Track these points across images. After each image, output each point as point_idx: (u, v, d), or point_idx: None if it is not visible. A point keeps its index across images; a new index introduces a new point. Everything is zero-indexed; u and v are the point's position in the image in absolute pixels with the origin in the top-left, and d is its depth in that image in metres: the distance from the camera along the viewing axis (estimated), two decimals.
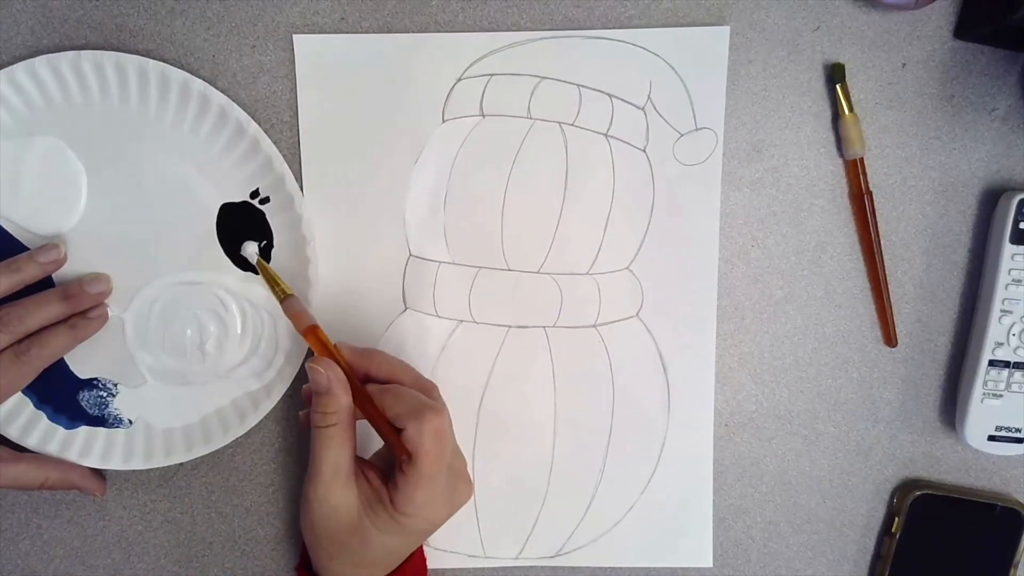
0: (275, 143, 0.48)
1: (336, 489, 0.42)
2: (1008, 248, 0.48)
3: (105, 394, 0.49)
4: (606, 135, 0.49)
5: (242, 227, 0.48)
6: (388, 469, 0.44)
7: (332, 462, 0.42)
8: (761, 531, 0.52)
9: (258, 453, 0.51)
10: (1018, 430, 0.49)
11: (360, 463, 0.44)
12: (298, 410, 0.50)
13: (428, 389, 0.45)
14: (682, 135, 0.49)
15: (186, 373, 0.49)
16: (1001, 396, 0.49)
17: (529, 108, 0.49)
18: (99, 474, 0.50)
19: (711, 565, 0.52)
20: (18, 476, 0.47)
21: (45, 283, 0.47)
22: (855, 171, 0.49)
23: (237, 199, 0.48)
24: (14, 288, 0.45)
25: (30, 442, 0.48)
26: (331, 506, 0.42)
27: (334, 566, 0.44)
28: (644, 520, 0.52)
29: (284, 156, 0.48)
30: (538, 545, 0.52)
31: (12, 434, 0.48)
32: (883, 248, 0.50)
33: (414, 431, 0.41)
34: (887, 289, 0.50)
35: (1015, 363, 0.49)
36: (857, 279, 0.50)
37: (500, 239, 0.49)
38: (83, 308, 0.47)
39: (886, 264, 0.50)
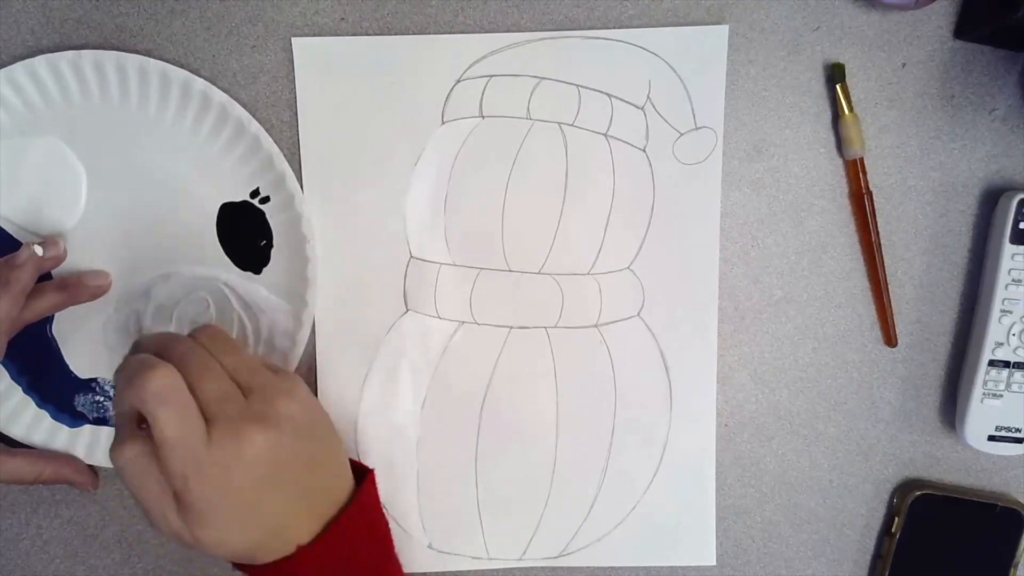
0: (275, 143, 0.48)
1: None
2: (1008, 248, 0.48)
3: (102, 398, 0.49)
4: (606, 135, 0.49)
5: (242, 226, 0.48)
6: None
7: None
8: (761, 531, 0.53)
9: None
10: (1018, 430, 0.49)
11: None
12: None
13: (161, 344, 0.40)
14: (682, 134, 0.49)
15: None
16: (1001, 396, 0.49)
17: (528, 109, 0.49)
18: (92, 469, 0.50)
19: (715, 563, 0.52)
20: (13, 471, 0.47)
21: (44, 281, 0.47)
22: (855, 171, 0.49)
23: (237, 198, 0.48)
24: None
25: (35, 440, 0.49)
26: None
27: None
28: (647, 519, 0.52)
29: (284, 156, 0.48)
30: (542, 545, 0.52)
31: (17, 432, 0.49)
32: (883, 248, 0.50)
33: (136, 401, 0.36)
34: (887, 289, 0.50)
35: (1015, 363, 0.49)
36: (857, 279, 0.50)
37: (501, 240, 0.49)
38: (80, 301, 0.47)
39: (886, 264, 0.50)
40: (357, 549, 0.42)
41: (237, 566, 0.41)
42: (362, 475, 0.44)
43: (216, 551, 0.39)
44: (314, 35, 0.48)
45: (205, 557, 0.52)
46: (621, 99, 0.49)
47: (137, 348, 0.41)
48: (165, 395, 0.36)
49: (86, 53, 0.46)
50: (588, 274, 0.50)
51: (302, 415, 0.40)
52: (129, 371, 0.37)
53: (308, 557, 0.39)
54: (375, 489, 0.44)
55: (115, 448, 0.38)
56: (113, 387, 0.49)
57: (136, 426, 0.38)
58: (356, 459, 0.49)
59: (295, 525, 0.40)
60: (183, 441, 0.36)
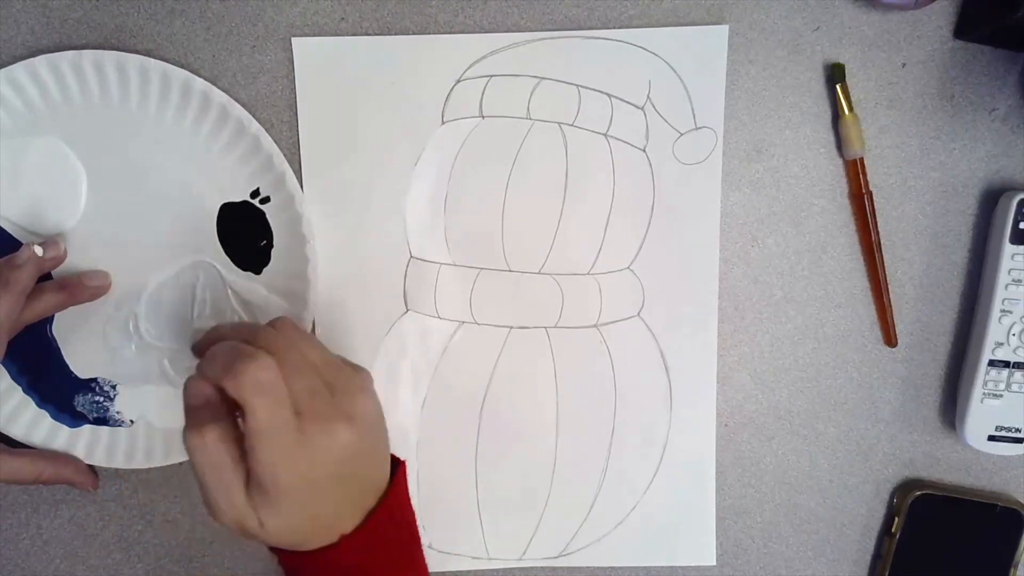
0: (275, 143, 0.48)
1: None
2: (1008, 248, 0.48)
3: (102, 398, 0.49)
4: (606, 135, 0.49)
5: (243, 226, 0.48)
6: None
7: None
8: (761, 531, 0.53)
9: None
10: (1018, 430, 0.49)
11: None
12: None
13: (251, 333, 0.40)
14: (682, 134, 0.49)
15: (187, 372, 0.49)
16: (1001, 396, 0.49)
17: (528, 109, 0.49)
18: (92, 469, 0.50)
19: (714, 563, 0.52)
20: (13, 471, 0.47)
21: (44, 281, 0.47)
22: (855, 171, 0.49)
23: (238, 198, 0.48)
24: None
25: (35, 440, 0.49)
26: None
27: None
28: (647, 519, 0.52)
29: (284, 156, 0.48)
30: (541, 546, 0.52)
31: (17, 432, 0.49)
32: (883, 248, 0.50)
33: (232, 389, 0.37)
34: (887, 289, 0.50)
35: (1015, 363, 0.49)
36: (857, 279, 0.50)
37: (501, 240, 0.49)
38: (80, 301, 0.47)
39: (886, 264, 0.50)
40: (393, 537, 0.43)
41: (274, 551, 0.42)
42: (393, 464, 0.45)
43: (274, 538, 0.39)
44: (314, 35, 0.48)
45: (206, 557, 0.52)
46: (621, 99, 0.49)
47: (215, 336, 0.41)
48: (264, 385, 0.37)
49: (86, 53, 0.46)
50: (588, 274, 0.50)
51: (374, 412, 0.42)
52: (224, 357, 0.38)
53: (349, 546, 0.40)
54: (406, 480, 0.45)
55: (192, 431, 0.38)
56: (113, 386, 0.49)
57: (214, 412, 0.38)
58: None
59: (345, 515, 0.41)
60: (278, 431, 0.37)
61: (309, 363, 0.40)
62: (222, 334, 0.41)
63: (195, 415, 0.39)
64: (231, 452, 0.38)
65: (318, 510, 0.40)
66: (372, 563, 0.42)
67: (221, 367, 0.37)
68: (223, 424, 0.38)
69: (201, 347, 0.41)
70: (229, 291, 0.48)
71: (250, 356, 0.37)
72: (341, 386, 0.40)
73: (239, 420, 0.38)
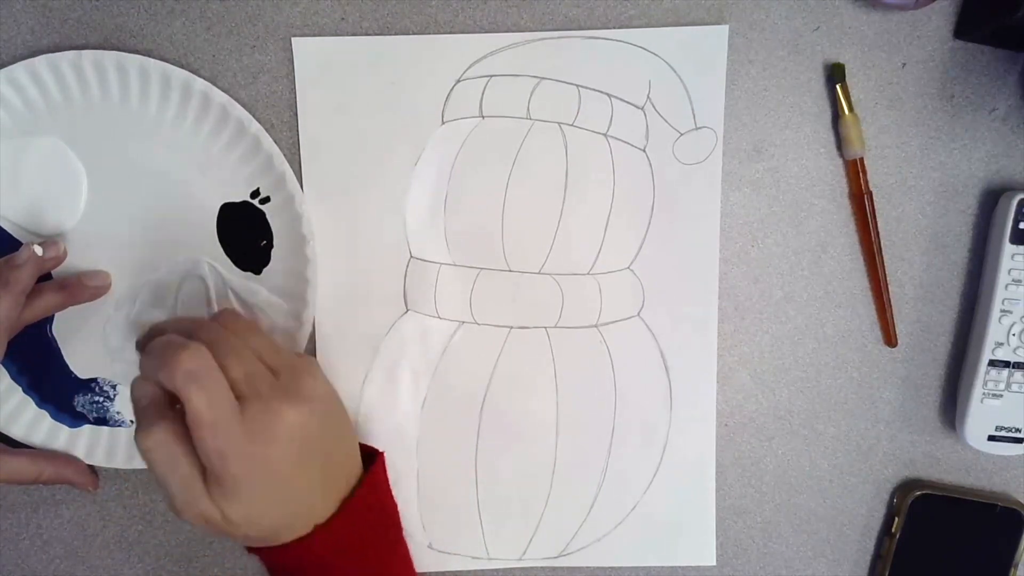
0: (275, 143, 0.48)
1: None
2: (1008, 248, 0.48)
3: (102, 399, 0.49)
4: (606, 135, 0.49)
5: (243, 227, 0.48)
6: None
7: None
8: (761, 531, 0.53)
9: None
10: (1018, 430, 0.49)
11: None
12: None
13: (190, 326, 0.40)
14: (682, 134, 0.49)
15: None
16: (1001, 396, 0.49)
17: (528, 109, 0.49)
18: (92, 469, 0.50)
19: (714, 563, 0.52)
20: (13, 471, 0.47)
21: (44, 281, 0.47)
22: (855, 171, 0.49)
23: (238, 199, 0.48)
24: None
25: (35, 440, 0.49)
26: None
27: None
28: (647, 519, 0.52)
29: (284, 156, 0.48)
30: (541, 545, 0.52)
31: (17, 433, 0.49)
32: (883, 248, 0.50)
33: (167, 381, 0.36)
34: (887, 289, 0.50)
35: (1015, 363, 0.49)
36: (857, 279, 0.50)
37: (501, 240, 0.49)
38: (80, 301, 0.47)
39: (886, 264, 0.50)
40: (369, 528, 0.43)
41: (252, 551, 0.42)
42: (370, 458, 0.45)
43: (243, 531, 0.39)
44: (314, 35, 0.48)
45: (206, 557, 0.52)
46: (621, 99, 0.49)
47: (157, 332, 0.41)
48: (198, 373, 0.37)
49: (87, 53, 0.46)
50: (588, 274, 0.50)
51: (325, 394, 0.42)
52: (158, 351, 0.38)
53: (323, 536, 0.40)
54: (384, 470, 0.44)
55: (141, 432, 0.38)
56: (113, 386, 0.49)
57: (160, 410, 0.38)
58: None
59: (316, 504, 0.41)
60: (218, 419, 0.37)
61: (249, 349, 0.40)
62: (162, 329, 0.41)
63: (143, 416, 0.39)
64: (182, 448, 0.38)
65: (283, 495, 0.39)
66: (350, 553, 0.41)
67: (154, 361, 0.37)
68: (170, 421, 0.38)
69: (143, 345, 0.41)
70: (229, 291, 0.48)
71: (180, 346, 0.37)
72: (285, 369, 0.40)
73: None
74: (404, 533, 0.47)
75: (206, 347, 0.38)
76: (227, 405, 0.37)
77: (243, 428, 0.37)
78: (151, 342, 0.39)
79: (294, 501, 0.40)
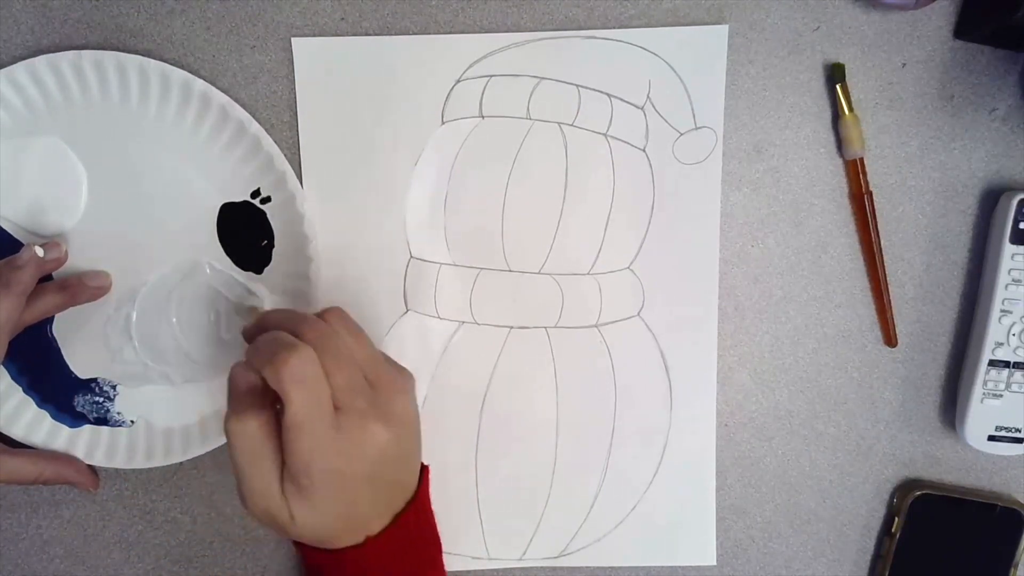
0: (275, 143, 0.48)
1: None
2: (1008, 248, 0.48)
3: (102, 399, 0.49)
4: (606, 135, 0.49)
5: (243, 227, 0.48)
6: None
7: None
8: (761, 531, 0.53)
9: None
10: (1018, 430, 0.49)
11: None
12: None
13: (299, 322, 0.39)
14: (682, 134, 0.49)
15: (183, 372, 0.49)
16: (1001, 396, 0.49)
17: (528, 109, 0.49)
18: (93, 469, 0.50)
19: (715, 563, 0.52)
20: (13, 471, 0.47)
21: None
22: (855, 171, 0.49)
23: (238, 199, 0.48)
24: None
25: (36, 440, 0.49)
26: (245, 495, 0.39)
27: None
28: (647, 519, 0.52)
29: (284, 156, 0.48)
30: (542, 545, 0.52)
31: (17, 433, 0.49)
32: (883, 248, 0.50)
33: (272, 380, 0.36)
34: (887, 289, 0.50)
35: (1015, 363, 0.49)
36: (857, 279, 0.50)
37: (500, 240, 0.49)
38: (81, 302, 0.47)
39: (886, 264, 0.50)
40: (416, 541, 0.43)
41: (298, 546, 0.42)
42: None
43: (304, 532, 0.39)
44: (314, 35, 0.48)
45: (206, 557, 0.52)
46: (621, 99, 0.49)
47: (264, 324, 0.41)
48: (303, 377, 0.37)
49: (86, 53, 0.46)
50: (588, 274, 0.50)
51: (412, 417, 0.42)
52: (267, 347, 0.37)
53: (374, 548, 0.41)
54: (428, 485, 0.45)
55: (233, 417, 0.38)
56: (113, 386, 0.49)
57: (255, 399, 0.38)
58: None
59: (373, 515, 0.41)
60: (315, 425, 0.37)
61: (353, 358, 0.39)
62: (271, 321, 0.41)
63: (238, 402, 0.39)
64: (270, 442, 0.38)
65: (348, 508, 0.40)
66: (395, 565, 0.42)
67: (264, 357, 0.37)
68: (265, 413, 0.38)
69: (250, 334, 0.41)
70: (230, 291, 0.48)
71: (291, 348, 0.37)
72: (383, 385, 0.40)
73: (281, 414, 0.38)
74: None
75: (315, 348, 0.38)
76: (326, 413, 0.37)
77: (335, 438, 0.38)
78: (260, 336, 0.39)
79: (358, 513, 0.40)
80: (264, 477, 0.38)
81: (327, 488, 0.38)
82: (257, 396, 0.39)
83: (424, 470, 0.44)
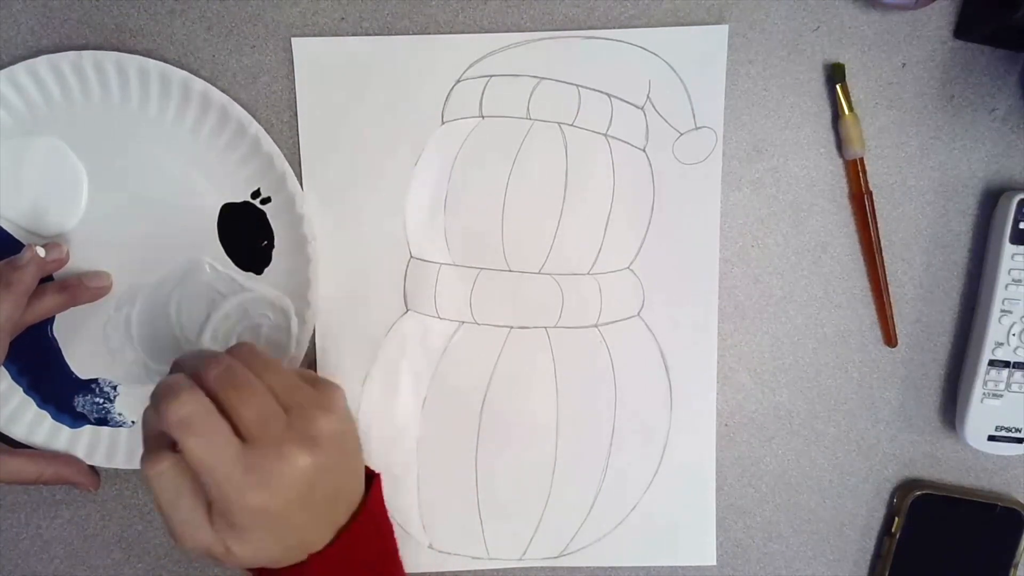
0: (275, 143, 0.48)
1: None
2: (1008, 248, 0.48)
3: (103, 399, 0.49)
4: (606, 135, 0.49)
5: (243, 227, 0.48)
6: None
7: None
8: (761, 531, 0.53)
9: None
10: (1018, 430, 0.49)
11: None
12: None
13: (199, 363, 0.39)
14: (682, 134, 0.49)
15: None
16: (1001, 396, 0.49)
17: (528, 109, 0.49)
18: (93, 469, 0.50)
19: (715, 563, 0.52)
20: (14, 471, 0.47)
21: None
22: (855, 171, 0.49)
23: (238, 199, 0.48)
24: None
25: (36, 440, 0.49)
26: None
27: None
28: (647, 519, 0.52)
29: (284, 156, 0.48)
30: (542, 545, 0.52)
31: (17, 433, 0.49)
32: (883, 248, 0.50)
33: (163, 426, 0.36)
34: (887, 289, 0.50)
35: (1015, 363, 0.49)
36: (857, 279, 0.50)
37: (501, 240, 0.49)
38: (81, 302, 0.47)
39: (886, 264, 0.50)
40: (364, 553, 0.42)
41: (249, 570, 0.42)
42: (368, 478, 0.44)
43: (244, 563, 0.39)
44: (314, 35, 0.48)
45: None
46: (621, 99, 0.49)
47: (176, 367, 0.40)
48: (190, 422, 0.36)
49: (87, 54, 0.46)
50: (588, 274, 0.50)
51: (339, 431, 0.41)
52: (157, 394, 0.37)
53: (319, 564, 0.40)
54: (381, 494, 0.44)
55: (147, 460, 0.38)
56: (113, 386, 0.49)
57: (168, 440, 0.38)
58: None
59: (314, 535, 0.40)
60: (216, 464, 0.37)
61: (261, 388, 0.39)
62: (180, 365, 0.40)
63: (150, 444, 0.39)
64: (187, 481, 0.38)
65: (284, 535, 0.39)
66: None
67: (153, 403, 0.37)
68: (178, 454, 0.37)
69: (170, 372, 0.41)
70: (230, 291, 0.48)
71: (175, 392, 0.36)
72: (300, 407, 0.39)
73: None
74: (399, 554, 0.46)
75: (217, 385, 0.37)
76: (226, 450, 0.37)
77: (249, 473, 0.37)
78: (160, 380, 0.39)
79: (293, 537, 0.40)
80: (189, 514, 0.38)
81: (255, 522, 0.38)
82: (168, 437, 0.38)
83: (375, 478, 0.44)
